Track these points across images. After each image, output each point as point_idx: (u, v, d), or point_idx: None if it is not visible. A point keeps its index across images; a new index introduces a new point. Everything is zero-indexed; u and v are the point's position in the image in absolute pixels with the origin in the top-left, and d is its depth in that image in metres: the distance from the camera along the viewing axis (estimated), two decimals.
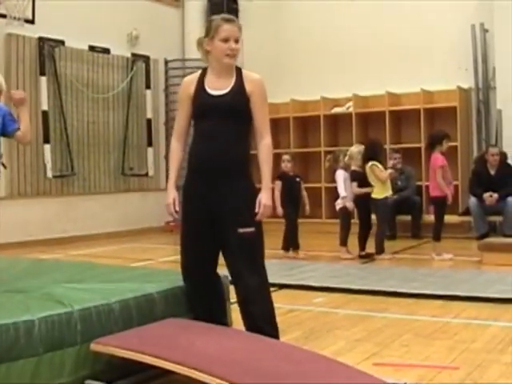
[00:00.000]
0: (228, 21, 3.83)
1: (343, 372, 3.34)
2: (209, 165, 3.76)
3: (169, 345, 3.39)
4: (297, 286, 6.48)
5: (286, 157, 8.71)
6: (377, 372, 3.64)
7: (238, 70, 3.89)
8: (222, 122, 3.75)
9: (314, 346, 4.27)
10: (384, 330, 4.82)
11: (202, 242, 3.84)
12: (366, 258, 8.33)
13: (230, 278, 4.03)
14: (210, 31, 3.85)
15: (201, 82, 3.88)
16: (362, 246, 8.50)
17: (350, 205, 8.50)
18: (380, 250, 8.39)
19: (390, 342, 4.50)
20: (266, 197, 3.79)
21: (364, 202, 8.50)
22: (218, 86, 3.82)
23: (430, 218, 9.34)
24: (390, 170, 8.61)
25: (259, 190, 3.84)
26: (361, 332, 4.78)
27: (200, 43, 3.94)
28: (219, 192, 3.76)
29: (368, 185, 8.46)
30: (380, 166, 8.45)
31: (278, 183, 8.43)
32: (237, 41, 3.84)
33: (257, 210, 3.77)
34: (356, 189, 8.50)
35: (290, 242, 8.62)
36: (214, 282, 4.02)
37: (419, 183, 10.82)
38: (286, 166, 8.64)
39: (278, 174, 8.43)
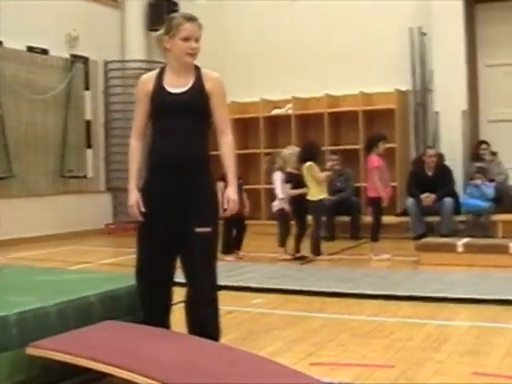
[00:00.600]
0: (189, 19, 3.80)
1: (279, 372, 3.38)
2: (168, 163, 3.70)
3: (105, 347, 3.38)
4: (236, 287, 6.50)
5: None
6: (313, 372, 3.69)
7: (197, 69, 3.86)
8: (181, 120, 3.71)
9: (251, 347, 4.30)
10: (321, 330, 4.88)
11: (159, 244, 3.77)
12: (301, 259, 8.38)
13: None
14: (170, 29, 3.81)
15: (159, 79, 3.83)
16: (297, 248, 8.55)
17: (286, 206, 8.56)
18: (316, 251, 8.45)
19: (327, 341, 4.57)
20: (232, 192, 3.79)
21: (299, 204, 8.54)
22: (177, 84, 3.79)
23: (368, 218, 9.47)
24: (327, 172, 8.69)
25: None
26: (298, 332, 4.83)
27: (159, 40, 3.89)
28: (178, 191, 3.71)
29: (303, 186, 8.51)
30: (316, 167, 8.51)
31: (220, 184, 8.41)
32: (197, 40, 3.82)
33: (225, 206, 3.77)
34: (290, 190, 8.53)
35: (232, 245, 8.62)
36: (169, 285, 3.91)
37: (358, 184, 10.95)
38: None
39: (219, 176, 8.40)
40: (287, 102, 11.86)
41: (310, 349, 4.38)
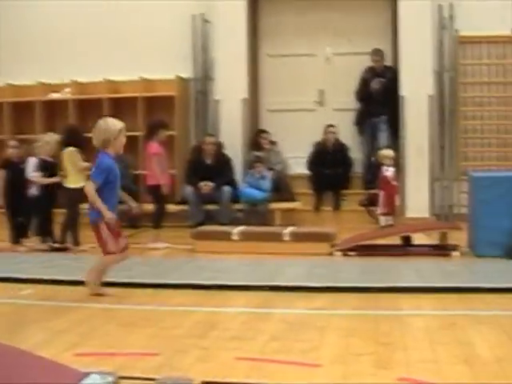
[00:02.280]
0: None
1: (38, 365, 3.32)
2: None
3: None
4: (5, 278, 6.30)
5: (12, 142, 8.41)
6: (77, 362, 3.67)
7: None
8: None
9: (13, 339, 4.18)
10: (88, 321, 4.87)
11: None
12: (62, 250, 8.23)
13: None
14: None
15: None
16: (63, 238, 8.39)
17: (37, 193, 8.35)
18: (74, 241, 8.30)
19: (93, 331, 4.56)
20: None
21: (65, 193, 8.40)
22: None
23: (148, 206, 9.50)
24: (87, 163, 8.54)
25: None
26: (64, 323, 4.78)
27: None
28: None
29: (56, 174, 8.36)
30: (79, 154, 8.36)
31: (2, 172, 8.12)
32: None
33: None
34: (41, 179, 8.35)
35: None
36: None
37: (137, 172, 10.93)
38: (13, 152, 8.37)
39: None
40: (66, 86, 11.60)
41: (74, 339, 4.35)
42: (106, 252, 5.69)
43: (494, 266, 6.93)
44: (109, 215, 5.54)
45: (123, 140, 5.77)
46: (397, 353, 4.04)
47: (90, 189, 5.58)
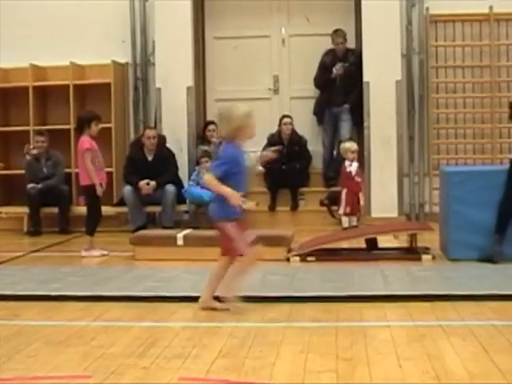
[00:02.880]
0: None
1: None
2: None
3: None
4: None
5: None
6: None
7: None
8: None
9: None
10: (11, 340, 4.77)
11: None
12: None
13: None
14: None
15: None
16: None
17: None
18: None
19: (16, 352, 4.47)
20: None
21: None
22: None
23: (81, 209, 9.42)
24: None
25: None
26: None
27: None
28: None
29: None
30: None
31: None
32: None
33: None
34: None
35: None
36: None
37: (69, 170, 10.87)
38: None
39: None
40: None
41: None
42: (238, 254, 5.62)
43: (468, 270, 6.95)
44: (237, 200, 5.43)
45: (253, 123, 5.61)
46: (359, 369, 4.04)
47: (211, 178, 5.50)
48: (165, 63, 11.00)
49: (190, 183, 10.40)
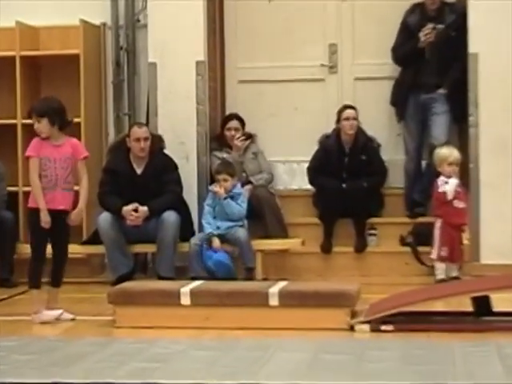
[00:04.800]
0: None
1: None
2: None
3: None
4: None
5: None
6: None
7: None
8: None
9: None
10: None
11: None
12: None
13: None
14: None
15: None
16: None
17: None
18: None
19: None
20: None
21: None
22: None
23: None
24: None
25: None
26: None
27: None
28: None
29: None
30: None
31: None
32: None
33: None
34: None
35: None
36: None
37: (13, 189, 10.77)
38: None
39: None
40: None
41: None
42: None
43: None
44: None
45: None
46: None
47: None
48: (162, 25, 10.89)
49: (205, 211, 10.29)
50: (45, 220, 8.25)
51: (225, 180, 10.06)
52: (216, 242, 10.01)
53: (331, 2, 11.45)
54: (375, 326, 7.58)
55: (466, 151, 10.44)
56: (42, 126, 8.37)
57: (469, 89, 10.51)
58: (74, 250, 9.75)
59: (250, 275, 10.01)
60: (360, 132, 10.83)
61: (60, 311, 8.32)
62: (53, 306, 8.38)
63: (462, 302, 7.97)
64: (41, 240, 8.46)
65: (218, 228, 10.08)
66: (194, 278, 9.29)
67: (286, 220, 10.78)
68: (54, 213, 8.30)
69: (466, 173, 10.37)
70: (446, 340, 7.13)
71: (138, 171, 10.28)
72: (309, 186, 10.90)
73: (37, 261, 8.46)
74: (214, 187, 10.14)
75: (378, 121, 11.24)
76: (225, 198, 10.10)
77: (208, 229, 10.10)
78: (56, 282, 8.48)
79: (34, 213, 8.33)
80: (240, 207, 10.19)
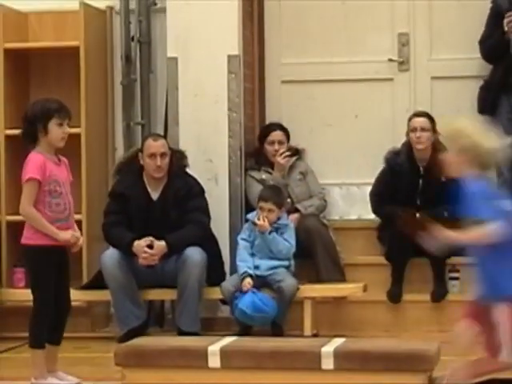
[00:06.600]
0: None
1: None
2: None
3: None
4: None
5: None
6: None
7: None
8: None
9: None
10: None
11: None
12: None
13: None
14: None
15: None
16: None
17: None
18: None
19: None
20: None
21: None
22: None
23: (20, 294, 9.71)
24: None
25: None
26: None
27: None
28: None
29: None
30: None
31: None
32: None
33: None
34: None
35: None
36: None
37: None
38: None
39: None
40: None
41: None
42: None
43: None
44: None
45: None
46: None
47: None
48: (185, 10, 10.95)
49: (240, 246, 10.26)
50: (65, 238, 8.14)
51: (270, 211, 10.02)
52: (248, 282, 9.89)
53: None
54: None
55: None
56: (63, 131, 8.34)
57: None
58: (72, 296, 9.61)
59: (277, 332, 9.97)
60: (437, 146, 10.77)
61: (76, 380, 8.34)
62: (52, 369, 8.33)
63: None
64: (48, 285, 8.37)
65: (257, 268, 10.05)
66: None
67: (342, 259, 10.75)
68: (61, 251, 8.28)
69: None
70: None
71: (154, 196, 10.29)
72: (372, 216, 10.96)
73: (43, 314, 8.37)
74: (256, 219, 10.10)
75: None
76: (269, 232, 10.08)
77: (243, 268, 10.03)
78: (58, 339, 8.43)
79: (35, 250, 8.25)
80: (288, 244, 10.14)
